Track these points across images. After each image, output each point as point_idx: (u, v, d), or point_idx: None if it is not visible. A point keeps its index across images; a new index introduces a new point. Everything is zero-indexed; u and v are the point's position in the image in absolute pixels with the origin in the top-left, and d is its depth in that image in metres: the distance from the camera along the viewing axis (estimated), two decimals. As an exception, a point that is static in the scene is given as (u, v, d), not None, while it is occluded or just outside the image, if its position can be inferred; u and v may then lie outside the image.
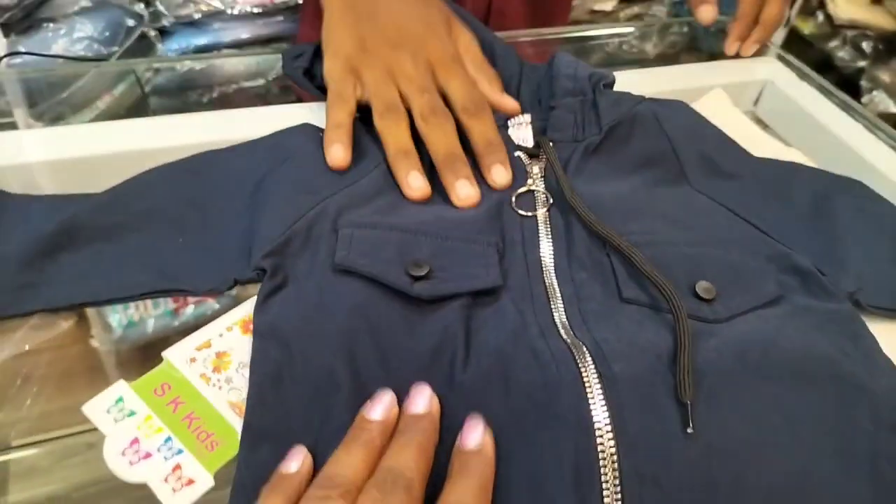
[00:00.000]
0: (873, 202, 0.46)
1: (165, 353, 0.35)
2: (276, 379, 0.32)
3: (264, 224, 0.38)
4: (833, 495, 0.29)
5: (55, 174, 0.46)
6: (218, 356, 0.35)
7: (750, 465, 0.29)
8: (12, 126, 0.56)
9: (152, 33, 1.12)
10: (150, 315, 0.39)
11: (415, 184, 0.41)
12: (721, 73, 0.63)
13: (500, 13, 0.72)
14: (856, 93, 1.55)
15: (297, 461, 0.29)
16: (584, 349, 0.32)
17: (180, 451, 0.31)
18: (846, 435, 0.31)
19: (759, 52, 0.66)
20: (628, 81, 0.50)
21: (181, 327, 0.40)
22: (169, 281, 0.37)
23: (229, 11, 1.13)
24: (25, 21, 1.05)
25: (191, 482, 0.30)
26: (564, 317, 0.35)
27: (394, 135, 0.43)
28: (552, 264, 0.38)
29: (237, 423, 0.31)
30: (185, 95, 0.99)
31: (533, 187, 0.42)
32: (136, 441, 0.31)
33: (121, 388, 0.33)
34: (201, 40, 1.15)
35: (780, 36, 1.57)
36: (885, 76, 1.54)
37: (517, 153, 0.45)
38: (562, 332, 0.34)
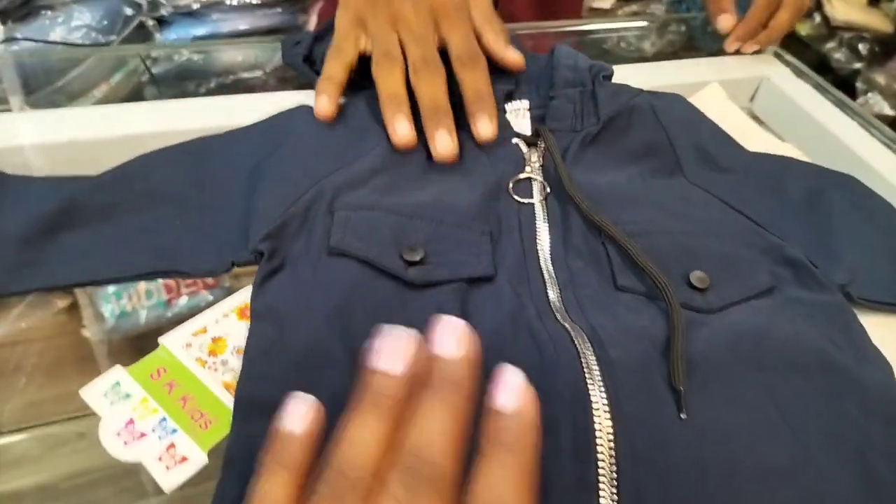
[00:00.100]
0: (866, 197, 0.46)
1: (161, 339, 0.35)
2: (266, 352, 0.32)
3: (262, 206, 0.38)
4: (823, 483, 0.29)
5: (50, 157, 0.46)
6: (214, 341, 0.35)
7: (742, 451, 0.29)
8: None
9: (150, 23, 1.12)
10: (142, 306, 0.40)
11: (400, 128, 0.42)
12: (718, 70, 0.63)
13: (509, 16, 0.72)
14: (851, 95, 1.56)
15: (300, 418, 0.23)
16: (583, 333, 0.32)
17: (174, 431, 0.31)
18: (836, 424, 0.31)
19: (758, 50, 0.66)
20: (626, 76, 0.50)
21: (174, 318, 0.40)
22: (167, 262, 0.37)
23: (228, 2, 1.13)
24: (23, 8, 1.04)
25: (184, 460, 0.30)
26: (560, 302, 0.35)
27: (386, 80, 0.44)
28: (549, 251, 0.38)
29: (231, 403, 0.32)
30: (183, 86, 0.99)
31: (531, 175, 0.43)
32: (131, 422, 0.31)
33: (117, 372, 0.34)
34: (199, 31, 1.15)
35: (777, 37, 1.58)
36: (880, 78, 1.55)
37: (515, 140, 0.45)
38: (558, 316, 0.34)
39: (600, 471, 0.28)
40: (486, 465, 0.21)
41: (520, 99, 0.47)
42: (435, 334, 0.23)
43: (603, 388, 0.30)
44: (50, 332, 0.36)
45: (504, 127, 0.46)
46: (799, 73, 0.63)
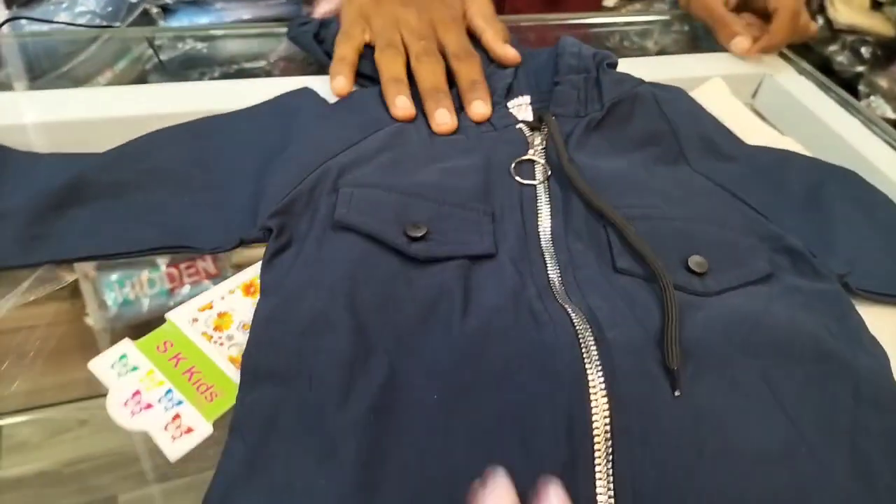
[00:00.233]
0: (866, 191, 0.47)
1: (168, 315, 0.36)
2: (272, 322, 0.33)
3: (270, 185, 0.39)
4: (816, 467, 0.30)
5: (54, 136, 0.46)
6: (220, 316, 0.36)
7: (736, 433, 0.30)
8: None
9: (154, 10, 1.12)
10: (145, 294, 0.40)
11: (400, 104, 0.46)
12: (720, 66, 0.63)
13: (515, 12, 0.73)
14: (854, 98, 1.56)
15: None
16: (582, 314, 0.33)
17: (180, 402, 0.31)
18: (829, 410, 0.32)
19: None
20: (629, 70, 0.50)
21: (176, 307, 0.41)
22: (175, 238, 0.37)
23: (232, -9, 1.13)
24: (28, -6, 1.04)
25: (190, 430, 0.30)
26: (559, 283, 0.35)
27: (389, 66, 0.48)
28: (549, 232, 0.38)
29: (236, 377, 0.32)
30: (187, 75, 0.99)
31: (533, 157, 0.43)
32: (137, 393, 0.32)
33: (125, 345, 0.34)
34: (203, 19, 1.15)
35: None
36: (883, 82, 1.56)
37: (519, 125, 0.46)
38: (558, 296, 0.34)
39: (596, 449, 0.29)
40: None
41: (521, 94, 0.48)
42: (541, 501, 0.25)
43: (600, 369, 0.30)
44: (52, 319, 0.36)
45: (507, 116, 0.46)
46: (801, 71, 0.64)
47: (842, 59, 1.59)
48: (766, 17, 0.64)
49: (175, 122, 0.45)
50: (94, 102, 0.47)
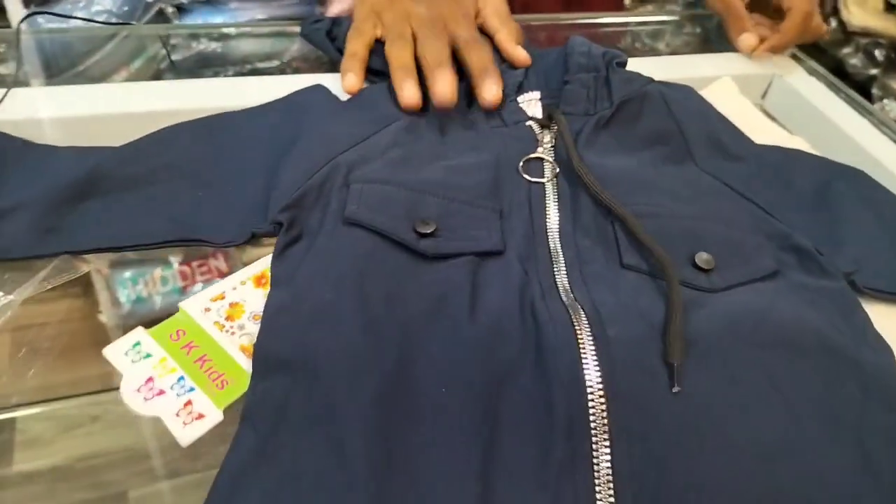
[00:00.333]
0: (874, 190, 0.47)
1: (181, 304, 0.36)
2: (283, 313, 0.33)
3: (281, 179, 0.40)
4: (819, 461, 0.30)
5: (71, 131, 0.47)
6: (231, 306, 0.36)
7: (737, 427, 0.30)
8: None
9: (170, 9, 1.13)
10: (158, 292, 0.40)
11: (407, 89, 0.46)
12: (730, 66, 0.63)
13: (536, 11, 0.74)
14: (867, 100, 1.55)
15: None
16: (582, 312, 0.33)
17: (192, 389, 0.32)
18: (834, 405, 0.32)
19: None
20: (639, 69, 0.50)
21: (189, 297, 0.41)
22: (188, 231, 0.38)
23: (246, -9, 1.14)
24: (46, -7, 1.06)
25: (201, 416, 0.31)
26: (566, 279, 0.36)
27: (398, 55, 0.48)
28: (557, 229, 0.39)
29: (247, 365, 0.33)
30: (200, 74, 1.01)
31: (542, 155, 0.43)
32: (150, 380, 0.32)
33: (138, 333, 0.35)
34: (217, 19, 1.17)
35: (792, 41, 1.58)
36: (896, 84, 1.55)
37: (529, 122, 0.46)
38: (562, 293, 0.35)
39: (594, 447, 0.29)
40: None
41: (531, 91, 0.48)
42: None
43: (598, 368, 0.31)
44: (66, 315, 0.37)
45: (518, 111, 0.47)
46: (811, 71, 0.64)
47: (855, 61, 1.58)
48: (779, 14, 0.64)
49: (188, 119, 0.45)
50: (109, 98, 0.48)
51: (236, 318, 0.35)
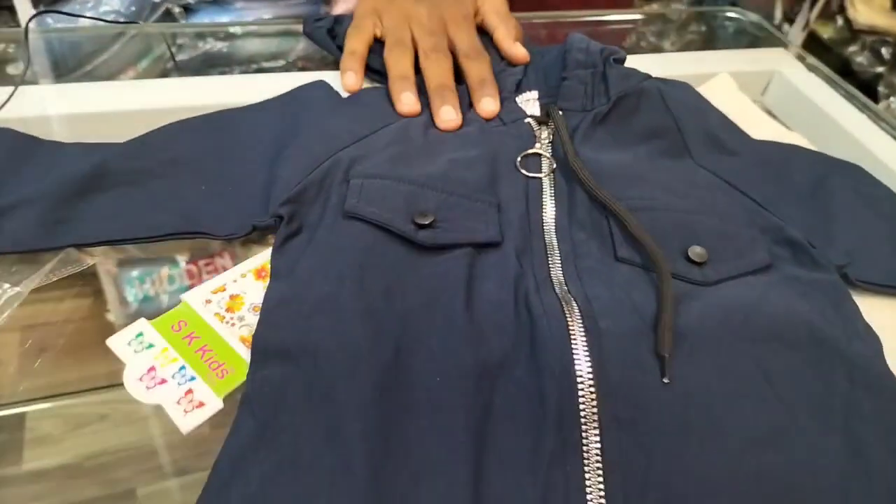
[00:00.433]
0: (870, 184, 0.47)
1: (183, 296, 0.37)
2: (282, 304, 0.34)
3: (282, 174, 0.40)
4: (808, 448, 0.31)
5: (77, 127, 0.48)
6: (232, 298, 0.37)
7: (726, 415, 0.31)
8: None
9: (177, 9, 1.14)
10: (165, 290, 0.41)
11: (406, 100, 0.47)
12: (730, 63, 0.64)
13: (553, 7, 0.74)
14: (873, 98, 1.55)
15: None
16: (574, 305, 0.34)
17: (193, 378, 0.33)
18: (823, 394, 0.32)
19: (770, 44, 0.67)
20: (641, 66, 0.51)
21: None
22: (191, 223, 0.39)
23: (252, -9, 1.15)
24: (55, -7, 1.08)
25: (201, 405, 0.32)
26: (560, 272, 0.36)
27: (397, 64, 0.49)
28: (553, 223, 0.39)
29: (246, 355, 0.33)
30: (206, 74, 1.02)
31: (540, 151, 0.44)
32: (152, 369, 0.33)
33: (141, 324, 0.36)
34: (224, 19, 1.18)
35: (798, 40, 1.58)
36: (902, 82, 1.54)
37: (527, 119, 0.47)
38: (556, 286, 0.35)
39: (584, 437, 0.30)
40: None
41: (529, 89, 0.49)
42: None
43: (589, 359, 0.31)
44: (74, 315, 0.37)
45: (516, 110, 0.48)
46: (811, 68, 0.64)
47: (861, 59, 1.57)
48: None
49: (194, 115, 0.46)
50: (115, 96, 0.49)
51: (236, 310, 0.36)
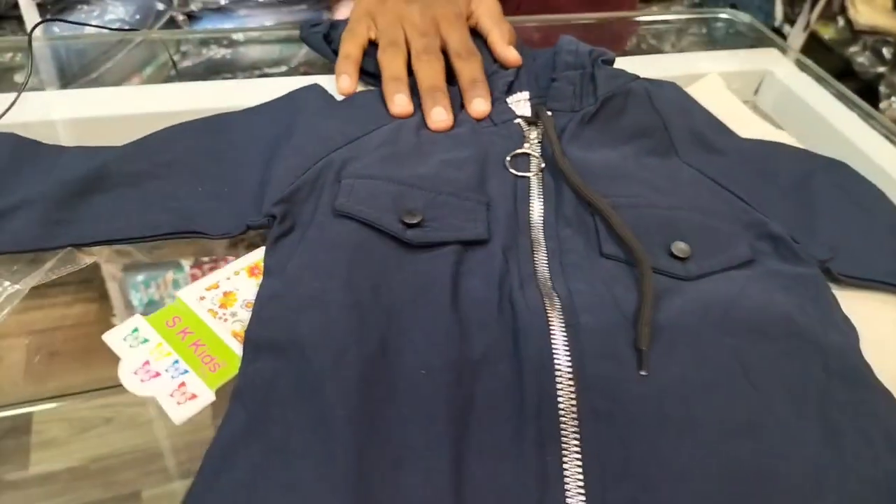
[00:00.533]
0: (855, 181, 0.48)
1: (178, 293, 0.38)
2: (273, 300, 0.35)
3: (276, 174, 0.42)
4: (784, 437, 0.31)
5: (80, 132, 0.49)
6: (225, 295, 0.38)
7: (701, 406, 0.31)
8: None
9: (180, 17, 1.16)
10: (169, 294, 0.42)
11: (398, 101, 0.48)
12: (722, 63, 0.64)
13: (555, 9, 0.75)
14: (874, 98, 1.55)
15: None
16: (557, 301, 0.35)
17: (186, 372, 0.34)
18: (800, 384, 0.33)
19: (761, 44, 0.68)
20: (631, 66, 0.52)
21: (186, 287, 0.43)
22: (187, 223, 0.40)
23: (255, -2, 1.17)
24: (60, 3, 1.10)
25: (194, 397, 0.33)
26: (546, 268, 0.37)
27: (390, 65, 0.50)
28: (540, 221, 0.40)
29: (238, 349, 0.34)
30: (209, 80, 1.03)
31: (528, 151, 0.45)
32: (147, 363, 0.34)
33: (137, 320, 0.37)
34: (227, 26, 1.19)
35: (799, 41, 1.58)
36: (904, 82, 1.54)
37: (517, 120, 0.48)
38: (540, 282, 0.36)
39: (562, 429, 0.31)
40: None
41: (520, 91, 0.50)
42: None
43: (568, 353, 0.32)
44: (80, 320, 0.38)
45: (507, 111, 0.49)
46: (803, 68, 0.65)
47: (862, 59, 1.57)
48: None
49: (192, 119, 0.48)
50: (115, 101, 0.50)
51: (229, 306, 0.37)
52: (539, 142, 0.46)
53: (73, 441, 0.34)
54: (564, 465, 0.30)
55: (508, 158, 0.44)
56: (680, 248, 0.39)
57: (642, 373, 0.32)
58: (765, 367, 0.33)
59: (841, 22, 1.63)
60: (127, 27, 1.11)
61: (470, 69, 0.50)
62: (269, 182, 0.41)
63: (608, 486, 0.29)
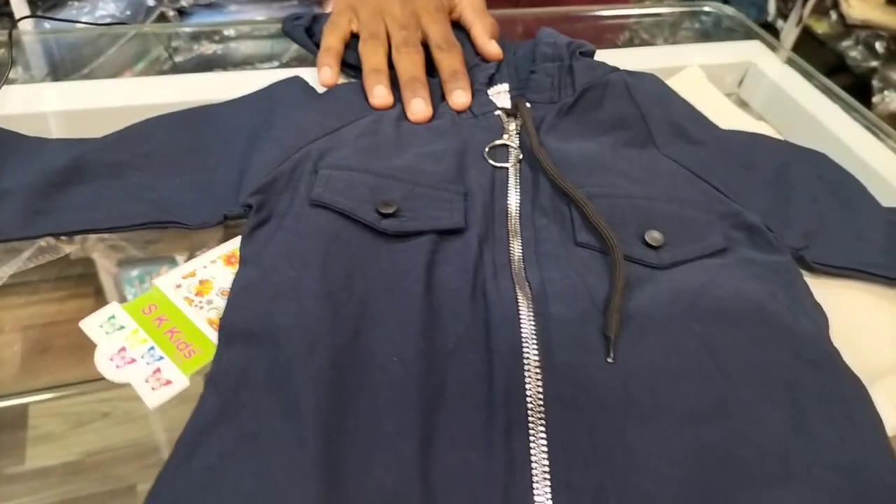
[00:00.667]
0: (833, 171, 0.48)
1: (155, 281, 0.38)
2: (248, 288, 0.35)
3: (253, 165, 0.42)
4: (750, 421, 0.31)
5: (66, 124, 0.50)
6: (201, 283, 0.38)
7: (667, 391, 0.32)
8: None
9: (171, 13, 1.16)
10: None
11: (378, 92, 0.48)
12: (706, 55, 0.65)
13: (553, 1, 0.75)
14: (868, 92, 1.55)
15: None
16: (528, 290, 0.35)
17: (161, 358, 0.34)
18: (767, 367, 0.33)
19: (746, 37, 0.68)
20: (616, 59, 0.52)
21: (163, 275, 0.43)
22: (165, 213, 0.40)
23: (246, -6, 1.17)
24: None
25: (168, 383, 0.33)
26: (520, 257, 0.38)
27: (371, 57, 0.50)
28: (517, 211, 0.41)
29: (214, 336, 0.35)
30: (201, 75, 1.04)
31: (507, 142, 0.45)
32: (123, 349, 0.35)
33: (113, 307, 0.37)
34: (218, 21, 1.20)
35: (792, 35, 1.58)
36: (896, 76, 1.54)
37: (497, 111, 0.48)
38: (514, 272, 0.37)
39: (529, 416, 0.31)
40: None
41: (501, 83, 0.51)
42: None
43: (536, 342, 0.33)
44: (76, 315, 0.38)
45: (487, 103, 0.49)
46: (786, 60, 0.65)
47: (855, 54, 1.58)
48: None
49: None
50: (99, 94, 0.51)
51: (205, 294, 0.37)
52: (517, 133, 0.46)
53: (69, 435, 0.34)
54: (532, 452, 0.30)
55: (487, 149, 0.45)
56: (653, 236, 0.39)
57: (609, 360, 0.32)
58: (734, 354, 0.33)
59: (834, 16, 1.63)
60: (118, 23, 1.11)
61: (450, 61, 0.50)
62: (247, 173, 0.42)
63: (574, 471, 0.30)
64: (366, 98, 0.49)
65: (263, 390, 0.31)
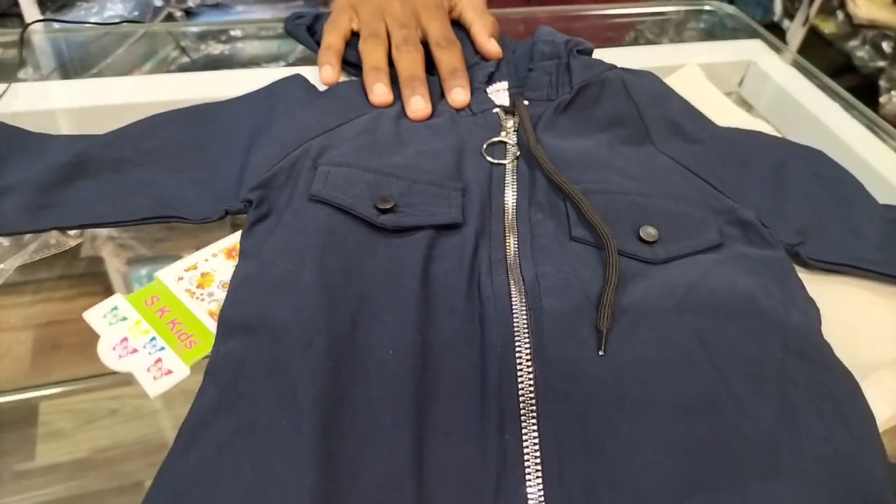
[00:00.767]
0: (829, 168, 0.48)
1: (157, 273, 0.39)
2: (247, 282, 0.36)
3: (254, 161, 0.43)
4: (740, 414, 0.32)
5: (71, 122, 0.51)
6: (203, 276, 0.39)
7: (658, 384, 0.32)
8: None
9: (178, 13, 1.18)
10: None
11: (378, 90, 0.49)
12: (707, 54, 0.65)
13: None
14: (875, 93, 1.55)
15: None
16: (522, 285, 0.36)
17: (162, 348, 0.35)
18: (757, 360, 0.33)
19: (746, 35, 0.68)
20: (616, 57, 0.53)
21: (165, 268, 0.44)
22: (166, 209, 0.41)
23: (252, -6, 1.18)
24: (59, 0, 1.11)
25: (169, 372, 0.34)
26: (516, 252, 0.38)
27: (371, 55, 0.51)
28: (514, 206, 0.41)
29: (214, 328, 0.35)
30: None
31: (505, 139, 0.46)
32: (125, 340, 0.35)
33: (116, 299, 0.38)
34: (225, 20, 1.21)
35: (798, 35, 1.58)
36: (903, 76, 1.53)
37: (495, 109, 0.49)
38: (509, 267, 0.37)
39: (521, 409, 0.32)
40: None
41: (500, 81, 0.51)
42: None
43: (528, 336, 0.33)
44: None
45: (486, 101, 0.49)
46: (786, 59, 0.65)
47: (862, 54, 1.57)
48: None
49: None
50: (104, 91, 0.52)
51: (207, 287, 0.38)
52: (515, 130, 0.47)
53: (79, 432, 0.34)
54: (524, 445, 0.31)
55: (485, 146, 0.45)
56: (648, 232, 0.39)
57: (600, 353, 0.33)
58: (725, 346, 0.34)
59: (840, 16, 1.63)
60: (129, 20, 1.12)
61: (450, 59, 0.51)
62: (248, 169, 0.42)
63: (565, 463, 0.30)
64: (366, 96, 0.49)
65: (261, 382, 0.32)
